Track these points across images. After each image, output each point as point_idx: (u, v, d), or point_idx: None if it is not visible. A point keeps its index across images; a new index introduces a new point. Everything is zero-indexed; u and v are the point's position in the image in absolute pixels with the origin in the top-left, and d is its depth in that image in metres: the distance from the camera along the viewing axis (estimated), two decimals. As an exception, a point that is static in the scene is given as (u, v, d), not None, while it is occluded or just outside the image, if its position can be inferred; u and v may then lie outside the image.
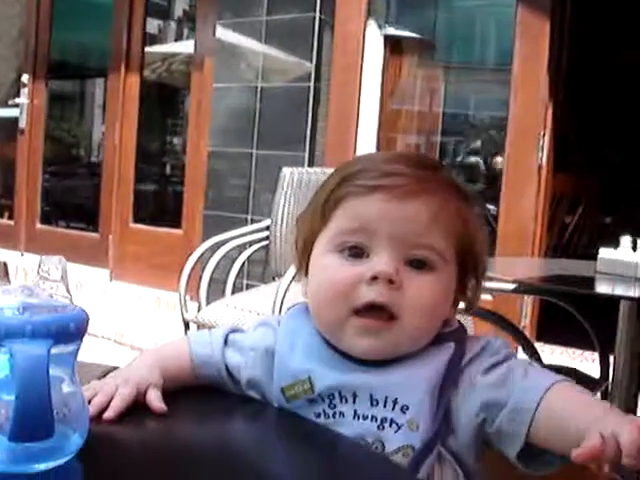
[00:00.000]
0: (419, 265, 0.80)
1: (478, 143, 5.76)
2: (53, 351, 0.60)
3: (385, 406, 0.79)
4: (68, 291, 0.62)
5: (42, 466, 0.63)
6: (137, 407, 0.80)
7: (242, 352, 0.89)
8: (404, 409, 0.78)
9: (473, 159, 5.59)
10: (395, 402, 0.79)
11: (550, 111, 3.50)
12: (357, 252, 0.82)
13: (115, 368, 0.88)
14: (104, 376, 0.83)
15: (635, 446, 0.64)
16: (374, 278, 0.79)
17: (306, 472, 0.69)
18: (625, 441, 0.64)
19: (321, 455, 0.74)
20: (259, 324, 0.92)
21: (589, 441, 0.65)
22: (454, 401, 0.79)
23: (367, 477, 0.68)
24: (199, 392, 0.89)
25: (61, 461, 0.64)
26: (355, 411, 0.80)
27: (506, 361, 0.81)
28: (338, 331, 0.82)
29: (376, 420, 0.79)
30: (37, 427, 0.59)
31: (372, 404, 0.79)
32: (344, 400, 0.80)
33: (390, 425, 0.78)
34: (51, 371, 0.59)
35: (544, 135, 3.48)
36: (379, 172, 0.82)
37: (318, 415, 0.81)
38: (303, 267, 0.88)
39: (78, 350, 0.65)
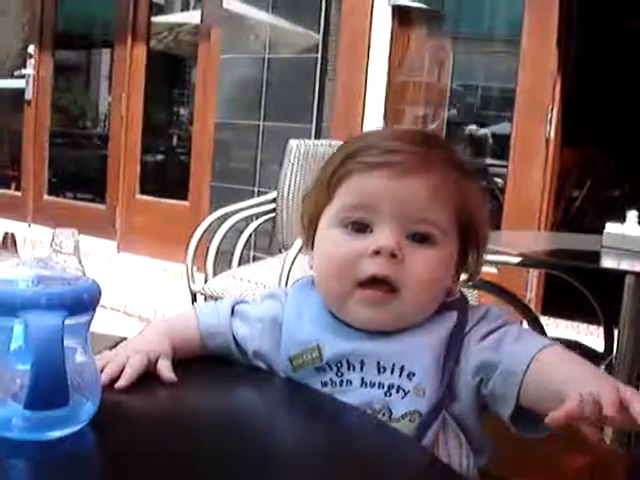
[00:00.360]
0: (421, 239, 0.83)
1: (486, 115, 5.73)
2: (67, 322, 0.61)
3: (392, 373, 0.81)
4: (80, 263, 0.64)
5: (57, 433, 0.64)
6: (147, 376, 0.81)
7: (249, 323, 0.91)
8: (410, 376, 0.80)
9: (482, 131, 5.56)
10: (402, 369, 0.81)
11: (559, 84, 3.48)
12: (360, 227, 0.84)
13: (124, 339, 0.89)
14: (115, 346, 0.85)
15: (614, 407, 0.65)
16: (377, 252, 0.81)
17: (311, 441, 0.71)
18: (605, 402, 0.65)
19: (326, 424, 0.76)
20: (266, 296, 0.94)
21: (566, 404, 0.66)
22: (457, 367, 0.82)
23: (373, 447, 0.70)
24: (207, 362, 0.91)
25: (75, 428, 0.65)
26: (362, 379, 0.82)
27: (502, 327, 0.83)
28: (342, 303, 0.84)
29: (383, 387, 0.81)
30: (52, 396, 0.61)
31: (379, 371, 0.81)
32: (352, 368, 0.82)
33: (397, 392, 0.80)
34: (65, 341, 0.61)
35: (552, 109, 3.46)
36: (381, 149, 0.84)
37: (325, 384, 0.83)
38: (309, 241, 0.90)
39: (91, 321, 0.66)
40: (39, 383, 0.59)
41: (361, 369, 0.82)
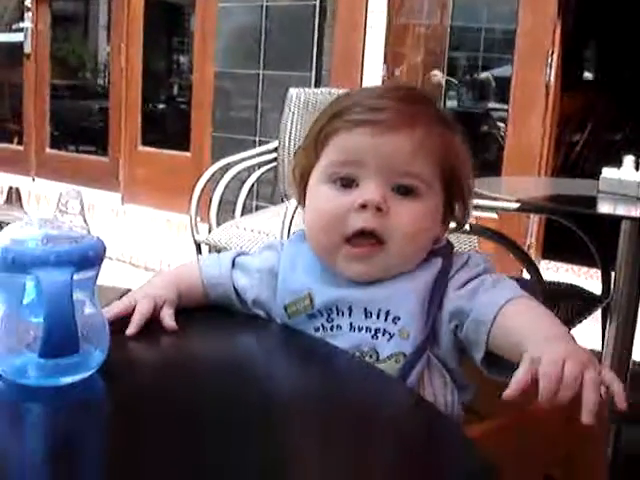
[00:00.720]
0: (405, 192, 0.86)
1: (489, 58, 5.65)
2: (75, 277, 0.65)
3: (378, 317, 0.86)
4: (85, 222, 0.67)
5: (69, 379, 0.69)
6: (153, 323, 0.86)
7: (248, 274, 0.96)
8: (395, 320, 0.85)
9: (484, 75, 5.50)
10: (387, 313, 0.85)
11: (559, 29, 3.45)
12: (347, 182, 0.87)
13: (129, 290, 0.94)
14: (121, 297, 0.90)
15: (547, 379, 0.66)
16: (363, 206, 0.85)
17: (306, 384, 0.76)
18: (541, 374, 0.67)
19: (319, 368, 0.81)
20: (264, 248, 0.98)
21: (515, 378, 0.68)
22: (439, 311, 0.86)
23: (361, 388, 0.75)
24: (209, 311, 0.95)
25: (85, 374, 0.70)
26: (351, 323, 0.87)
27: (480, 275, 0.87)
28: (331, 256, 0.89)
29: (370, 331, 0.86)
30: (64, 345, 0.66)
31: (366, 316, 0.86)
32: (341, 314, 0.87)
33: (383, 334, 0.85)
34: (74, 295, 0.65)
35: (552, 53, 3.44)
36: (365, 107, 0.87)
37: (317, 329, 0.88)
38: (301, 196, 0.94)
39: (97, 275, 0.70)
40: (52, 333, 0.64)
41: (349, 314, 0.87)
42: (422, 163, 0.86)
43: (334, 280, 0.89)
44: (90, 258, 0.67)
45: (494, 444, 0.70)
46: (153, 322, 0.86)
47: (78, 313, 0.66)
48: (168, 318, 0.87)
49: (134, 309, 0.85)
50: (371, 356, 0.85)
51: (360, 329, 0.86)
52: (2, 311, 0.69)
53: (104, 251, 0.69)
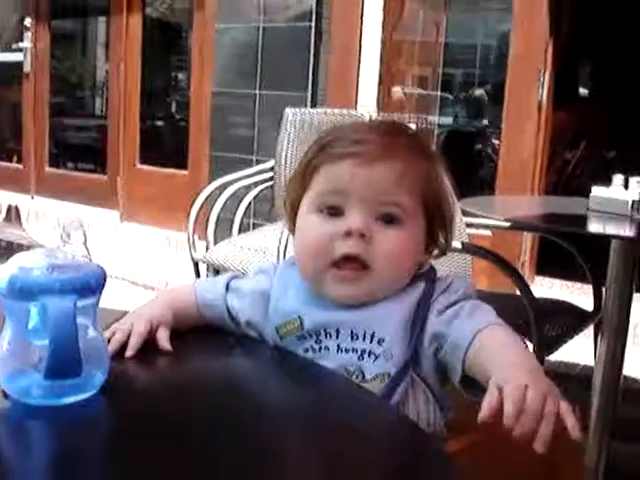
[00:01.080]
0: (388, 220, 0.91)
1: (482, 75, 5.70)
2: (78, 304, 0.70)
3: (364, 339, 0.90)
4: (87, 251, 0.72)
5: (71, 399, 0.74)
6: (150, 344, 0.90)
7: (242, 297, 1.00)
8: (380, 341, 0.90)
9: (478, 92, 5.55)
10: (373, 335, 0.90)
11: (551, 47, 3.51)
12: (334, 212, 0.93)
13: (127, 313, 0.98)
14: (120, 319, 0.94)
15: (509, 411, 0.70)
16: (348, 233, 0.90)
17: (295, 402, 0.80)
18: (505, 397, 0.71)
19: (309, 386, 0.85)
20: (258, 272, 1.03)
21: (486, 401, 0.72)
22: (421, 333, 0.90)
23: (347, 406, 0.79)
24: (204, 332, 1.00)
25: (87, 395, 0.75)
26: (338, 345, 0.91)
27: (459, 302, 0.91)
28: (318, 281, 0.93)
29: (357, 352, 0.90)
30: (68, 367, 0.70)
31: (352, 338, 0.91)
32: (329, 336, 0.92)
33: (369, 356, 0.90)
34: (77, 320, 0.70)
35: (544, 72, 3.50)
36: (349, 141, 0.93)
37: (306, 350, 0.92)
38: (292, 226, 1.00)
39: (98, 301, 0.75)
40: (56, 357, 0.69)
41: (337, 336, 0.91)
42: (403, 192, 0.91)
43: (322, 304, 0.93)
44: (92, 286, 0.72)
45: (472, 458, 0.74)
46: (150, 343, 0.90)
47: (81, 337, 0.70)
48: (164, 341, 0.91)
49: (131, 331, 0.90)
50: (357, 376, 0.90)
51: (347, 350, 0.90)
52: (9, 334, 0.73)
53: (105, 279, 0.74)
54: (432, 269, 0.97)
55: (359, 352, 0.90)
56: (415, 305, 0.91)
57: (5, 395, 0.74)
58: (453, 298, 0.91)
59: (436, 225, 0.96)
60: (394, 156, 0.92)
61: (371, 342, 0.90)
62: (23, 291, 0.69)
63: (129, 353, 0.87)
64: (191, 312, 1.00)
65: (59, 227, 0.69)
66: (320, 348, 0.92)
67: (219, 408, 0.75)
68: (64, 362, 0.69)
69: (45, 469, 0.66)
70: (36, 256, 0.71)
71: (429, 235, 0.95)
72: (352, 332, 0.91)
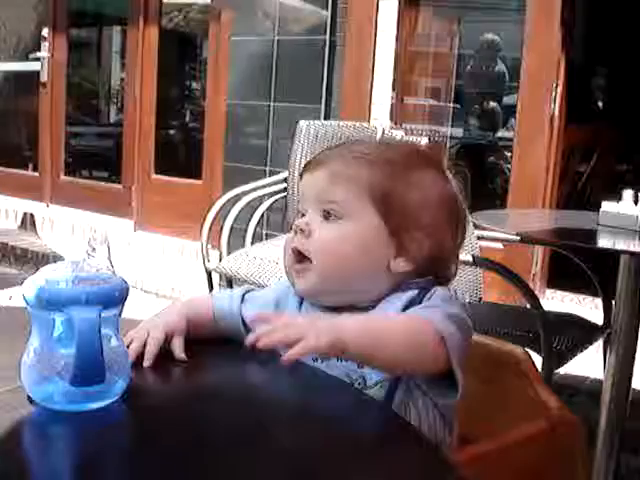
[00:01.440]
0: (327, 216, 0.99)
1: (495, 87, 5.70)
2: (102, 314, 0.74)
3: None
4: (111, 264, 0.75)
5: (94, 405, 0.77)
6: (166, 351, 0.94)
7: (255, 306, 1.05)
8: None
9: (491, 104, 5.55)
10: None
11: (563, 62, 3.53)
12: (301, 216, 1.03)
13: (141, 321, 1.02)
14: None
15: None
16: (294, 231, 1.01)
17: (304, 408, 0.84)
18: None
19: (317, 394, 0.89)
20: (276, 282, 1.11)
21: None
22: None
23: (354, 411, 0.83)
24: (218, 341, 1.04)
25: (109, 401, 0.78)
26: None
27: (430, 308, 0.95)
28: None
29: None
30: (92, 375, 0.74)
31: None
32: None
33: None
34: (101, 330, 0.73)
35: (557, 86, 3.52)
36: (314, 156, 1.06)
37: (315, 359, 0.96)
38: None
39: (121, 312, 0.79)
40: (82, 365, 0.72)
41: None
42: (339, 190, 0.99)
43: (326, 315, 0.98)
44: (116, 298, 0.76)
45: (481, 469, 0.76)
46: (166, 351, 0.94)
47: (104, 346, 0.74)
48: (178, 350, 0.95)
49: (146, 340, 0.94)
50: (359, 383, 0.94)
51: (347, 360, 0.93)
52: (35, 343, 0.77)
53: (127, 291, 0.77)
54: (430, 280, 0.99)
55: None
56: (401, 309, 0.95)
57: (30, 400, 0.77)
58: (432, 300, 0.95)
59: (397, 226, 0.98)
60: (333, 160, 1.01)
61: None
62: (50, 302, 0.73)
63: (147, 363, 0.91)
64: (206, 322, 1.04)
65: (85, 241, 0.73)
66: (325, 357, 0.96)
67: (236, 415, 0.78)
68: (89, 370, 0.73)
69: (69, 473, 0.69)
70: (62, 268, 0.75)
71: (393, 236, 0.98)
72: None
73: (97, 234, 0.81)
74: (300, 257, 0.99)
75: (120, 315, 0.78)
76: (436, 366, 0.87)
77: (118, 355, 0.78)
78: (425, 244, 0.98)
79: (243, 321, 1.04)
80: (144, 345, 0.93)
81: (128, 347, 0.90)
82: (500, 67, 5.14)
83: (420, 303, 0.95)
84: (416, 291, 0.97)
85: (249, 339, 0.80)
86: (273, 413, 0.80)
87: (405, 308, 0.95)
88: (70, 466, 0.71)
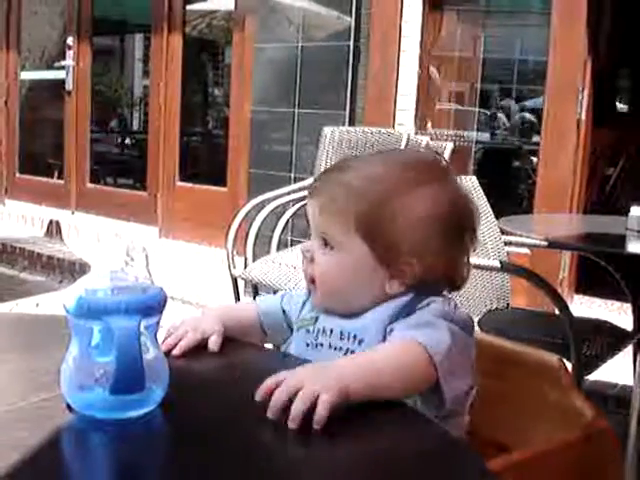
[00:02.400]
0: (325, 243, 1.05)
1: (520, 90, 5.68)
2: (141, 323, 0.74)
3: (349, 339, 1.02)
4: (149, 273, 0.76)
5: (134, 413, 0.78)
6: (205, 359, 0.98)
7: (291, 300, 1.17)
8: (360, 342, 1.01)
9: (517, 107, 5.53)
10: (355, 337, 1.02)
11: (589, 66, 3.51)
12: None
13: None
14: None
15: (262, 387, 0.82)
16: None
17: (347, 421, 0.83)
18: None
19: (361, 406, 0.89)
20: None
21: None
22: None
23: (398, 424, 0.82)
24: (253, 348, 1.09)
25: (148, 409, 0.79)
26: (330, 343, 1.04)
27: (419, 324, 0.97)
28: None
29: (342, 350, 1.02)
30: (132, 384, 0.74)
31: (341, 338, 1.03)
32: (324, 334, 1.05)
33: (352, 353, 1.01)
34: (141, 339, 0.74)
35: (583, 90, 3.50)
36: (314, 181, 1.14)
37: (307, 345, 1.06)
38: None
39: (159, 321, 0.79)
40: (122, 374, 0.73)
41: (330, 335, 1.04)
42: (328, 223, 1.04)
43: (329, 313, 1.07)
44: (154, 307, 0.77)
45: (516, 477, 0.76)
46: (204, 358, 0.97)
47: (143, 355, 0.74)
48: (214, 344, 1.01)
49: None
50: None
51: (335, 348, 1.03)
52: (74, 351, 0.77)
53: (165, 300, 0.78)
54: (424, 291, 1.01)
55: (344, 350, 1.02)
56: (392, 315, 0.99)
57: (70, 408, 0.78)
58: (423, 314, 0.97)
59: (384, 251, 1.01)
60: (324, 191, 1.06)
61: (354, 342, 1.02)
62: (90, 311, 0.73)
63: (176, 352, 0.97)
64: (243, 327, 1.12)
65: (123, 251, 0.73)
66: (316, 344, 1.05)
67: (273, 426, 0.78)
68: (128, 379, 0.73)
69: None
70: (101, 278, 0.76)
71: (384, 263, 1.02)
72: (341, 333, 1.03)
73: (135, 244, 0.82)
74: (309, 278, 1.07)
75: (159, 324, 0.79)
76: (428, 385, 0.91)
77: (157, 364, 0.79)
78: (419, 266, 1.01)
79: (283, 311, 1.15)
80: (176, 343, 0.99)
81: (164, 341, 0.96)
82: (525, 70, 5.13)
83: (412, 310, 0.98)
84: (409, 298, 1.01)
85: (273, 413, 0.79)
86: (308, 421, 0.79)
87: (397, 313, 0.99)
88: (109, 474, 0.71)
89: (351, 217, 1.01)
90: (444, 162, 1.10)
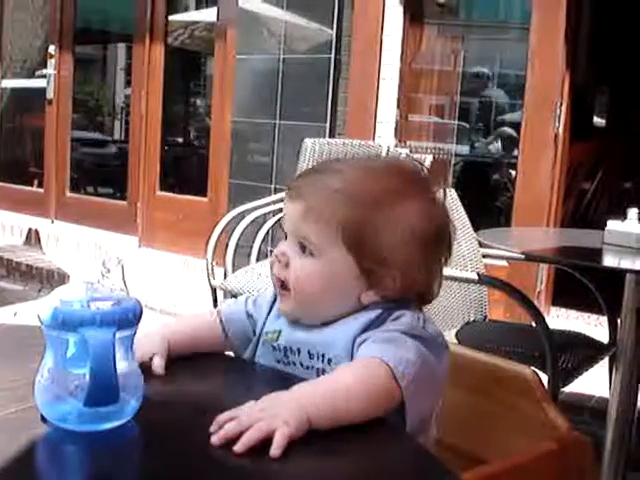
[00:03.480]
0: (303, 249, 1.01)
1: (499, 104, 5.72)
2: (116, 335, 0.74)
3: (318, 359, 1.00)
4: (125, 285, 0.76)
5: (108, 425, 0.78)
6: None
7: (256, 303, 1.12)
8: (330, 361, 0.98)
9: (496, 122, 5.56)
10: (324, 356, 0.99)
11: (567, 81, 3.55)
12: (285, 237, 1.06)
13: None
14: None
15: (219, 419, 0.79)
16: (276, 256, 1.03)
17: (327, 434, 0.83)
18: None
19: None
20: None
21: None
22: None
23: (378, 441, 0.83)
24: (202, 358, 1.07)
25: (122, 421, 0.79)
26: (301, 362, 1.01)
27: (395, 332, 0.96)
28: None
29: (314, 369, 1.00)
30: (106, 396, 0.74)
31: (310, 358, 1.00)
32: (293, 353, 1.02)
33: (323, 373, 0.98)
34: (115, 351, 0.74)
35: (561, 104, 3.54)
36: (293, 181, 1.06)
37: (278, 361, 1.03)
38: None
39: (135, 333, 0.79)
40: (96, 386, 0.73)
41: (299, 355, 1.02)
42: (311, 228, 0.99)
43: (297, 324, 1.03)
44: (130, 319, 0.77)
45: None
46: (178, 370, 0.97)
47: (118, 367, 0.74)
48: (159, 368, 0.97)
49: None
50: None
51: (307, 367, 1.00)
52: (49, 363, 0.78)
53: (141, 312, 0.78)
54: (399, 304, 1.00)
55: (316, 370, 0.99)
56: (361, 329, 0.97)
57: (44, 420, 0.78)
58: (392, 327, 0.96)
59: (367, 264, 0.99)
60: (307, 194, 1.01)
61: (323, 362, 0.99)
62: (65, 323, 0.74)
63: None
64: (202, 335, 1.09)
65: (100, 263, 0.74)
66: (288, 362, 1.02)
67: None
68: (103, 391, 0.73)
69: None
70: (76, 289, 0.76)
71: (364, 273, 0.99)
72: (309, 352, 1.00)
73: (111, 255, 0.81)
74: (280, 283, 1.02)
75: (134, 336, 0.79)
76: (392, 407, 0.89)
77: (132, 376, 0.79)
78: (397, 278, 0.99)
79: (247, 314, 1.10)
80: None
81: None
82: (504, 84, 5.17)
83: (382, 323, 0.97)
84: (380, 311, 0.99)
85: (218, 437, 0.77)
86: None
87: (366, 327, 0.97)
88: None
89: (337, 226, 0.98)
90: (425, 171, 1.10)
